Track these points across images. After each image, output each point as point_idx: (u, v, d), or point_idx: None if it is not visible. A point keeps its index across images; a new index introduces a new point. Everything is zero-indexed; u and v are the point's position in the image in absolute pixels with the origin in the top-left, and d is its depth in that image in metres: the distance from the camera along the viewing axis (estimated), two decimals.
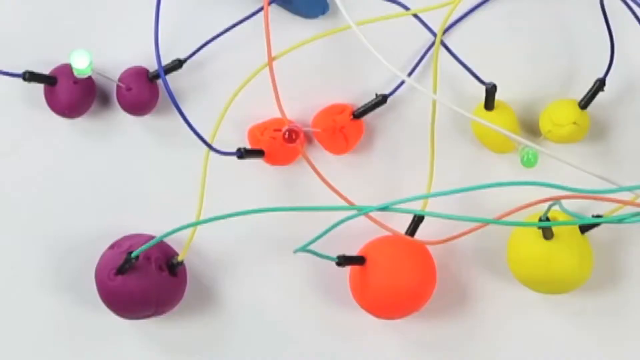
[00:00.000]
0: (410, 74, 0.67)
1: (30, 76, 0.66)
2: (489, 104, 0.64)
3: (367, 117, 0.67)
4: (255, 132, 0.67)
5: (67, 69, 0.66)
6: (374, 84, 0.67)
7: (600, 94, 0.64)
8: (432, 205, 0.64)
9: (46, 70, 0.67)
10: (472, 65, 0.64)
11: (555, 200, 0.58)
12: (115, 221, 0.69)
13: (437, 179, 0.66)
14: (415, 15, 0.66)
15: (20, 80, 0.66)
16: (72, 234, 0.69)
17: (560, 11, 0.66)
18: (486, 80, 0.64)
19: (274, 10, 0.67)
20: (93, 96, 0.68)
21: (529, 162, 0.62)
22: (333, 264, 0.63)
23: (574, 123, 0.64)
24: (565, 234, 0.62)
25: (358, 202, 0.64)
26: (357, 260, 0.64)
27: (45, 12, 0.69)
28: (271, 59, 0.64)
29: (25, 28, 0.70)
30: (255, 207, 0.60)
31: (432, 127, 0.66)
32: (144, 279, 0.64)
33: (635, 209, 0.58)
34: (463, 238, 0.62)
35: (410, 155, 0.67)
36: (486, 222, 0.60)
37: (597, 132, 0.66)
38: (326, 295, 0.67)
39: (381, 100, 0.66)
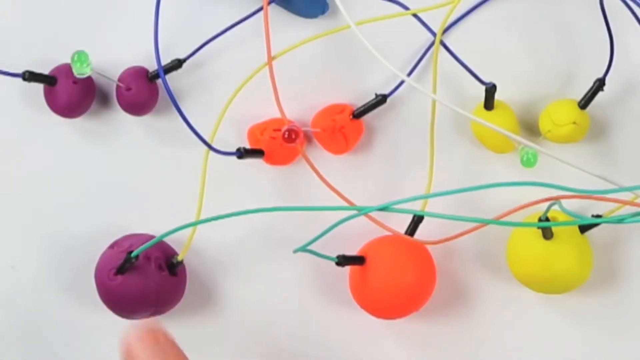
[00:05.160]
0: (410, 74, 0.67)
1: (30, 76, 0.66)
2: (489, 104, 0.64)
3: (367, 117, 0.67)
4: (255, 132, 0.67)
5: (67, 69, 0.66)
6: (373, 84, 0.67)
7: (600, 94, 0.64)
8: (432, 206, 0.64)
9: (46, 70, 0.67)
10: (472, 65, 0.64)
11: (555, 200, 0.58)
12: (115, 221, 0.69)
13: (437, 179, 0.66)
14: (415, 15, 0.66)
15: (20, 80, 0.66)
16: (72, 233, 0.69)
17: (560, 11, 0.66)
18: (486, 80, 0.64)
19: (274, 10, 0.67)
20: (93, 96, 0.68)
21: (528, 162, 0.62)
22: (333, 264, 0.63)
23: (574, 123, 0.64)
24: (565, 234, 0.62)
25: (358, 202, 0.64)
26: (356, 260, 0.64)
27: (45, 12, 0.69)
28: (271, 59, 0.64)
29: (25, 28, 0.70)
30: (255, 207, 0.60)
31: (431, 127, 0.66)
32: (144, 278, 0.64)
33: (635, 209, 0.58)
34: (463, 238, 0.62)
35: (410, 155, 0.67)
36: (486, 222, 0.60)
37: (597, 132, 0.66)
38: (326, 295, 0.67)
39: (381, 100, 0.66)
